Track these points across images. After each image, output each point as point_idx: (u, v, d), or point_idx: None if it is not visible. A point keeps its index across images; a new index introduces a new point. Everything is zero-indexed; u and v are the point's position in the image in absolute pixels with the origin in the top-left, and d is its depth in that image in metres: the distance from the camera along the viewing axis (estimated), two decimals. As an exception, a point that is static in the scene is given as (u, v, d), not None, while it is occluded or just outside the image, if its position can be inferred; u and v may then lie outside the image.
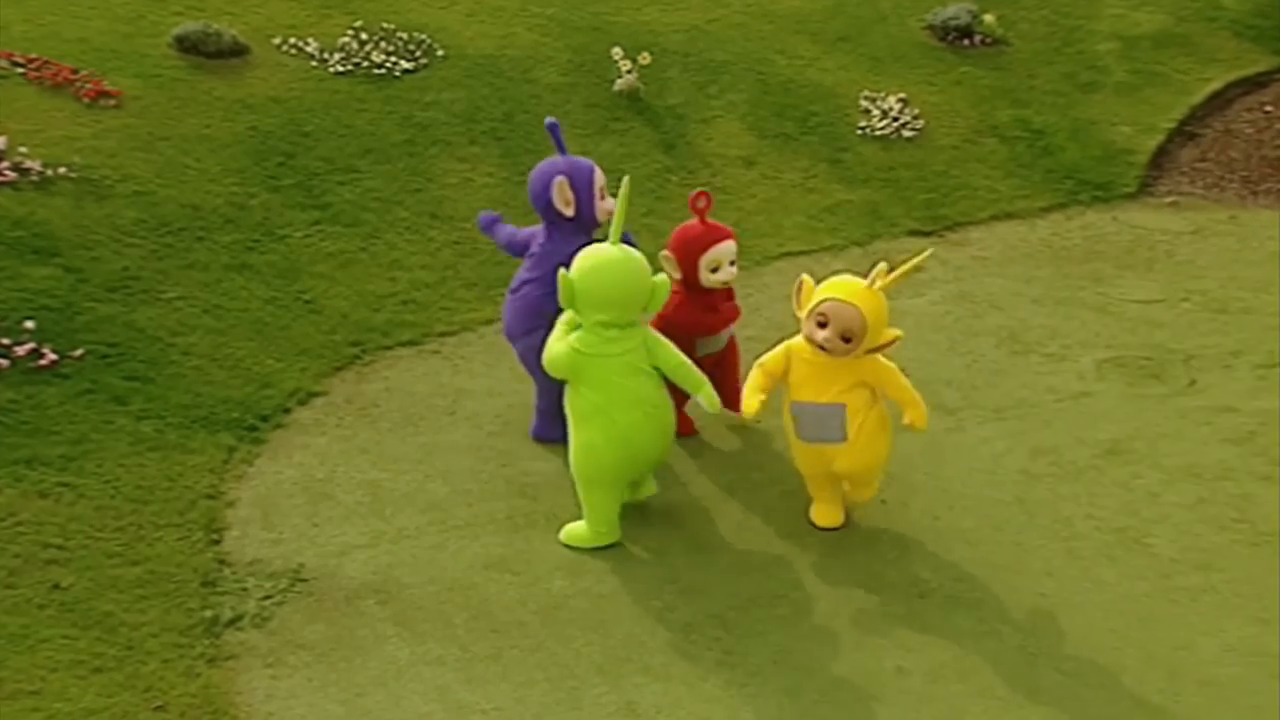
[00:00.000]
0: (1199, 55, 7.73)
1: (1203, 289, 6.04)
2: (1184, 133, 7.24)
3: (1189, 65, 7.65)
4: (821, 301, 4.26)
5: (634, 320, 4.35)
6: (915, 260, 4.44)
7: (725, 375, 4.93)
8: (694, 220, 4.80)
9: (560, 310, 4.45)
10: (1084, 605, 4.32)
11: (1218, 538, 4.59)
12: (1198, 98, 7.43)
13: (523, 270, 4.84)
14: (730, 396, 4.82)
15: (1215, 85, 7.53)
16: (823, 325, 4.24)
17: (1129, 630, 4.23)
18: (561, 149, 4.82)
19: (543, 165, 4.79)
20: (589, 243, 4.54)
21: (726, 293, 4.92)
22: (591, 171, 4.73)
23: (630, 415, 4.27)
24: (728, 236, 4.82)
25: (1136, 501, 4.75)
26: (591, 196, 4.71)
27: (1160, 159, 7.03)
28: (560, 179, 4.66)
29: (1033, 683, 4.05)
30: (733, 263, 4.82)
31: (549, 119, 4.90)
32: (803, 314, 4.32)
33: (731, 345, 4.99)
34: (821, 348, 4.26)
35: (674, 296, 4.66)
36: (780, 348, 4.45)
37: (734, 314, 4.92)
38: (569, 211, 4.70)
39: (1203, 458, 4.96)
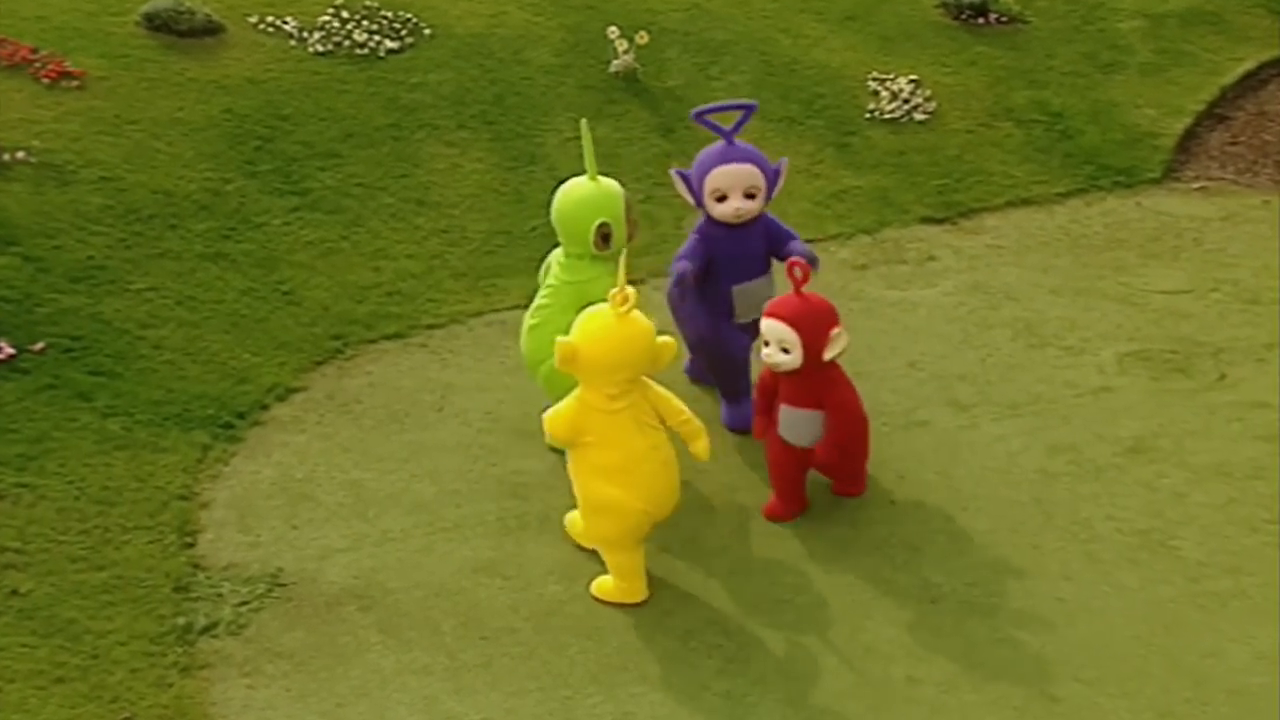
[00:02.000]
0: (1230, 33, 7.75)
1: (1234, 278, 6.05)
2: (1214, 115, 7.25)
3: (1219, 44, 7.67)
4: None
5: (582, 254, 4.72)
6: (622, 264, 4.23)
7: (830, 447, 4.52)
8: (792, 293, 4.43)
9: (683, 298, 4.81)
10: (1105, 611, 4.34)
11: (1248, 540, 4.60)
12: (1229, 78, 7.44)
13: None
14: (843, 477, 4.63)
15: (1248, 65, 7.53)
16: None
17: (1153, 637, 4.25)
18: (724, 136, 4.84)
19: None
20: (725, 233, 4.80)
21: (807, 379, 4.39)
22: (705, 172, 4.76)
23: (529, 320, 4.82)
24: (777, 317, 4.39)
25: (1161, 502, 4.77)
26: (702, 193, 4.80)
27: (1188, 143, 7.04)
28: (674, 171, 4.91)
29: (1050, 692, 4.07)
30: (787, 349, 4.37)
31: (697, 111, 4.92)
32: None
33: (837, 427, 4.46)
34: None
35: None
36: None
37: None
38: (691, 201, 4.88)
39: (1233, 456, 4.97)
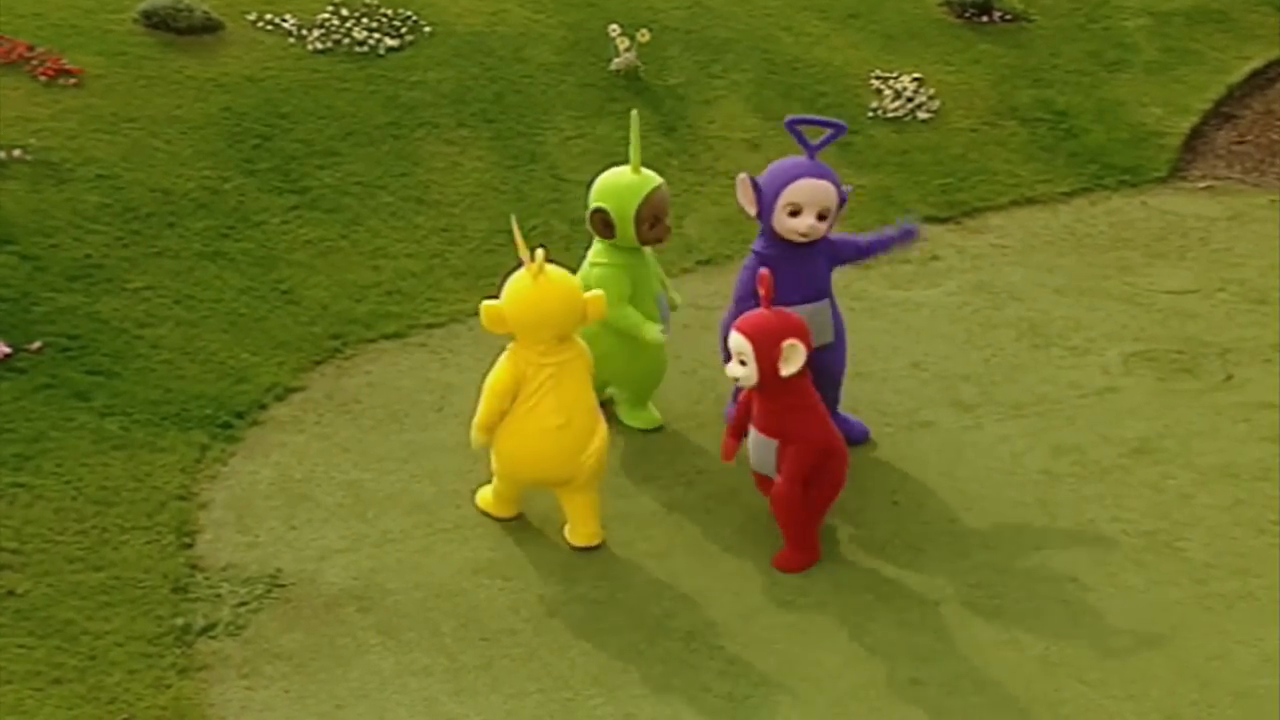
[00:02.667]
0: (1238, 32, 7.77)
1: (1241, 278, 6.07)
2: (1220, 114, 7.27)
3: (1226, 42, 7.69)
4: None
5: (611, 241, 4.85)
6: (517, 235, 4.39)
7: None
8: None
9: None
10: (1110, 612, 4.35)
11: (1255, 541, 4.61)
12: (1236, 77, 7.46)
13: None
14: (790, 528, 4.41)
15: (1255, 64, 7.56)
16: None
17: (1159, 639, 4.26)
18: (808, 150, 4.69)
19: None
20: (782, 253, 4.62)
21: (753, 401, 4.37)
22: (785, 183, 4.58)
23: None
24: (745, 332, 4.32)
25: (1167, 503, 4.78)
26: (773, 205, 4.61)
27: (1194, 142, 7.07)
28: (743, 176, 4.69)
29: (1055, 695, 4.08)
30: (743, 361, 4.28)
31: (789, 117, 4.78)
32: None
33: (791, 458, 4.33)
34: None
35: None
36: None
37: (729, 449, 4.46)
38: (750, 211, 4.70)
39: (1239, 457, 4.98)
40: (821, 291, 4.77)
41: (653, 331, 4.77)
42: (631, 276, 4.80)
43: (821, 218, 4.65)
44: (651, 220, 4.77)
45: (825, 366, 4.73)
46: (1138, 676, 4.13)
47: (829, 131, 4.71)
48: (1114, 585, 4.44)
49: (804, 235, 4.65)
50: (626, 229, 4.75)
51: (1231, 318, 5.79)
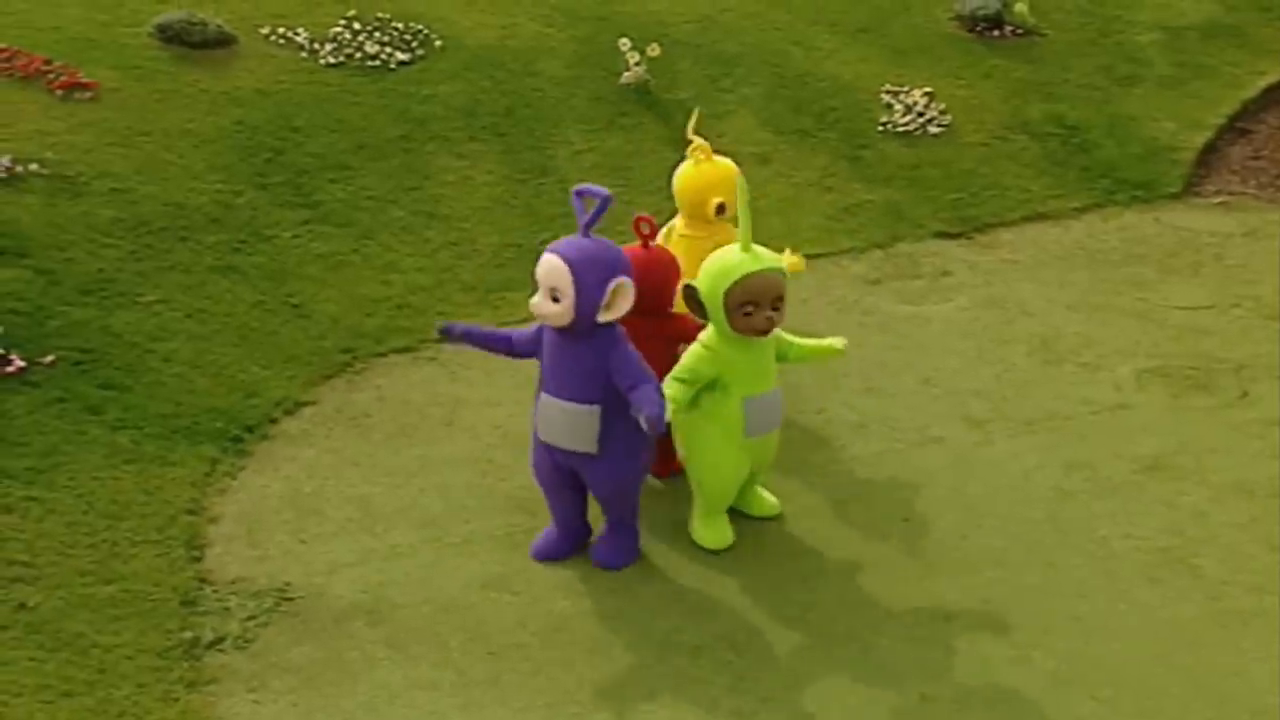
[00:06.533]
0: (1252, 47, 7.77)
1: (1256, 295, 6.05)
2: (1235, 129, 7.27)
3: (1241, 57, 7.69)
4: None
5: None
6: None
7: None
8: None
9: None
10: (1122, 629, 4.34)
11: (1270, 558, 4.60)
12: (1251, 92, 7.45)
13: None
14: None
15: (1270, 78, 7.55)
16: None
17: (1173, 656, 4.25)
18: (583, 227, 4.19)
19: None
20: (546, 335, 4.25)
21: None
22: (592, 262, 4.11)
23: None
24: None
25: (1181, 520, 4.77)
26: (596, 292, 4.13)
27: (1208, 157, 7.06)
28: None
29: (1067, 712, 4.07)
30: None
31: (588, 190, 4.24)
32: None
33: None
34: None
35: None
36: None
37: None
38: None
39: (1254, 473, 4.97)
40: (587, 392, 4.19)
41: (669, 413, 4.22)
42: (721, 369, 4.36)
43: (553, 299, 4.13)
44: (741, 305, 4.24)
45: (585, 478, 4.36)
46: (1151, 694, 4.12)
47: (597, 203, 4.18)
48: (1127, 602, 4.43)
49: (534, 314, 4.22)
50: (716, 313, 4.29)
51: (1246, 334, 5.78)
